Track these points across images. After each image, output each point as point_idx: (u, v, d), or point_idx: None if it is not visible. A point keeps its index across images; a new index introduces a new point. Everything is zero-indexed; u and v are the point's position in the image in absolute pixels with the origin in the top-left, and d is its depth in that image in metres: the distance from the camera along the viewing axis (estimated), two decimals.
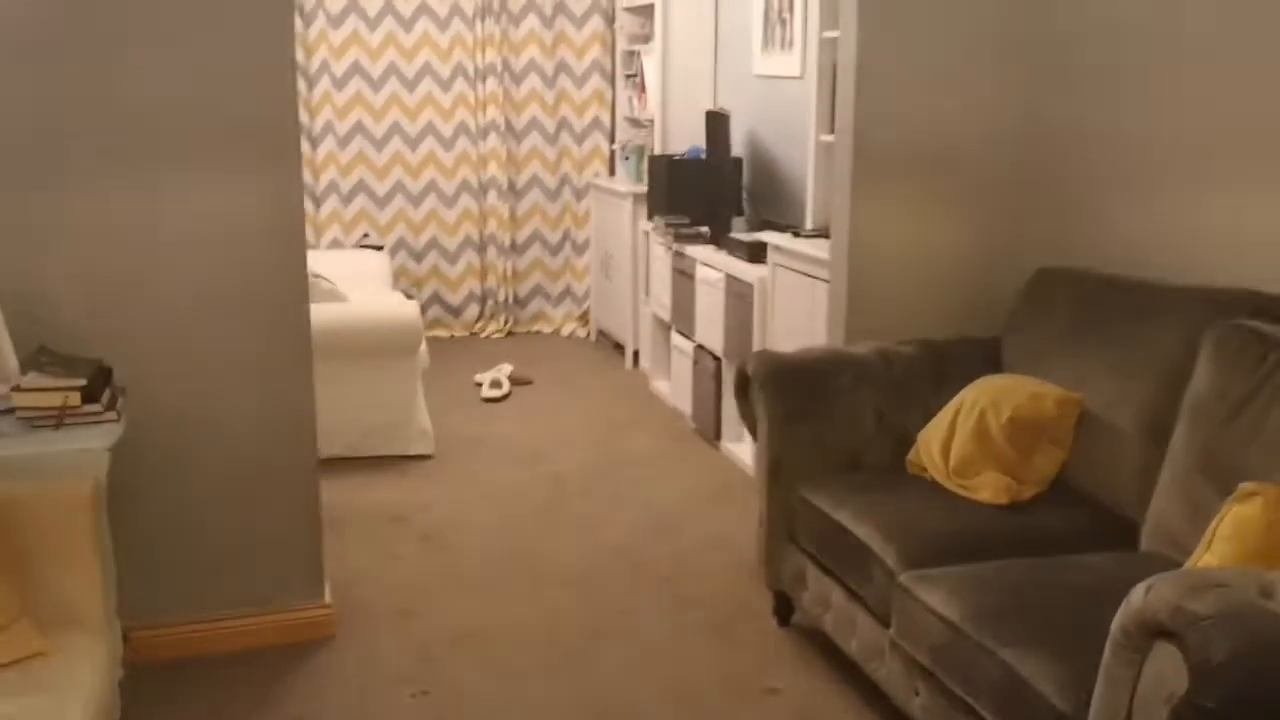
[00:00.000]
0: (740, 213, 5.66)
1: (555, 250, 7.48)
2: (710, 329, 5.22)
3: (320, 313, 4.74)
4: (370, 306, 5.05)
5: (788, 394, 3.38)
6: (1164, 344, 2.92)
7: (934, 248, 3.74)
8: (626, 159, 6.89)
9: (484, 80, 7.12)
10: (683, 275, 5.55)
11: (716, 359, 5.16)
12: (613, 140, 7.32)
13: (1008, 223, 3.77)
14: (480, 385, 6.13)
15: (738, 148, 5.83)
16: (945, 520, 2.94)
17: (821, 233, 4.55)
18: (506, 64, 7.14)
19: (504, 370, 6.23)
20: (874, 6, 3.55)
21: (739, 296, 4.88)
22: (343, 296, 5.03)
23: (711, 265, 5.19)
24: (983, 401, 3.16)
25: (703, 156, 6.14)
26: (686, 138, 6.43)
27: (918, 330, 3.65)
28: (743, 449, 5.01)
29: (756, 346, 4.72)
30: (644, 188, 6.39)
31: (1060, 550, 2.76)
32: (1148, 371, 2.93)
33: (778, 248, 4.57)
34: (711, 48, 6.45)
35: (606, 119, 7.34)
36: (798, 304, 4.42)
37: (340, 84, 6.95)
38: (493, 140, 7.18)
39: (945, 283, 3.76)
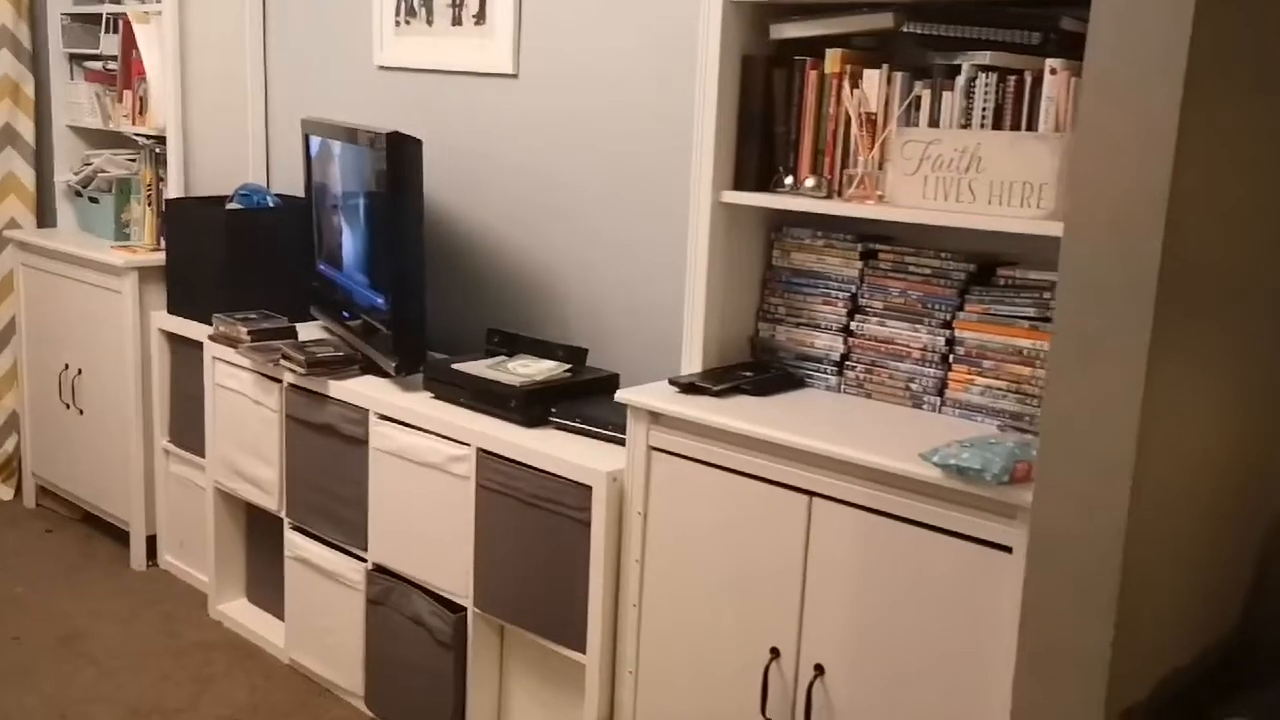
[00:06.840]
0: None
1: None
2: (424, 548, 2.75)
3: None
4: None
5: None
6: None
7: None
8: (93, 200, 3.99)
9: None
10: (320, 433, 2.98)
11: (455, 608, 2.71)
12: (38, 164, 4.29)
13: None
14: None
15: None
16: None
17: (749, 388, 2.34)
18: None
19: None
20: None
21: (535, 504, 2.49)
22: None
23: (427, 429, 2.72)
24: None
25: (270, 204, 3.58)
26: (228, 170, 3.77)
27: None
28: None
29: (598, 621, 2.39)
30: (155, 258, 3.63)
31: None
32: None
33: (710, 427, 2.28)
34: (259, 13, 3.82)
35: (28, 129, 4.29)
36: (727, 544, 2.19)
37: None
38: None
39: None
